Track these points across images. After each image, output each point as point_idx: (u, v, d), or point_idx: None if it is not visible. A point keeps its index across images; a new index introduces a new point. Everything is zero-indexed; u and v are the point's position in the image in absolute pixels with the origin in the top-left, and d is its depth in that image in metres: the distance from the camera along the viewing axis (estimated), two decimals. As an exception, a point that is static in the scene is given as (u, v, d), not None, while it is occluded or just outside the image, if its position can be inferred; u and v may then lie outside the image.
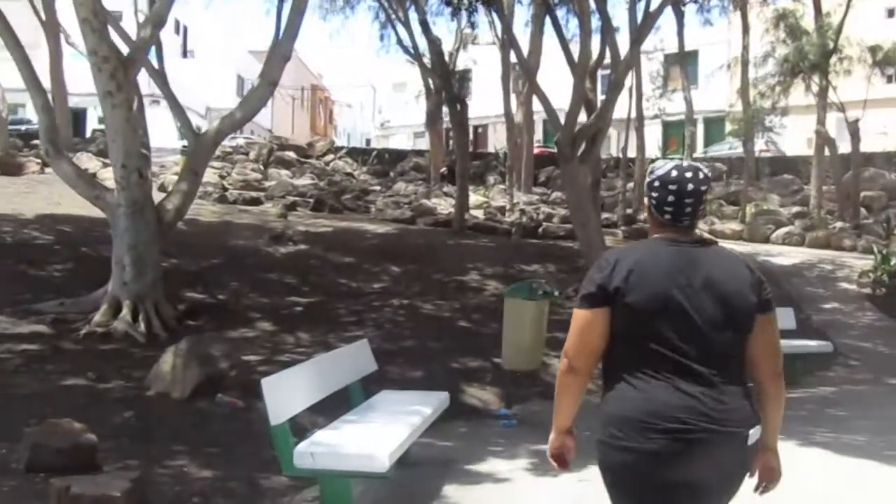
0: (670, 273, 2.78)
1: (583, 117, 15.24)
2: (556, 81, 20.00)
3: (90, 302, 10.67)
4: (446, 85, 21.19)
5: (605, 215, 22.26)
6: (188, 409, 7.51)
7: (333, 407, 6.85)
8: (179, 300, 11.70)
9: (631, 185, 26.79)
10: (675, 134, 39.71)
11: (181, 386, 7.81)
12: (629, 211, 25.08)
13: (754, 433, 2.80)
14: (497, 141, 39.10)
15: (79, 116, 37.82)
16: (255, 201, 21.80)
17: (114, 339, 9.85)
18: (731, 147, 36.19)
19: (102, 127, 34.74)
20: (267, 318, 11.36)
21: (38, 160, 22.15)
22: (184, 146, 29.44)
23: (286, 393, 5.26)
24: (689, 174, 2.86)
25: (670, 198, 2.85)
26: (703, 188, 2.87)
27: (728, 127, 36.04)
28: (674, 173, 2.87)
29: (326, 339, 10.54)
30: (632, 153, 27.62)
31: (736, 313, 2.78)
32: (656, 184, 2.89)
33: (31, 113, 29.33)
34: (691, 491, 2.73)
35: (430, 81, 25.73)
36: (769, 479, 2.94)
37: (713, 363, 2.75)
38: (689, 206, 2.85)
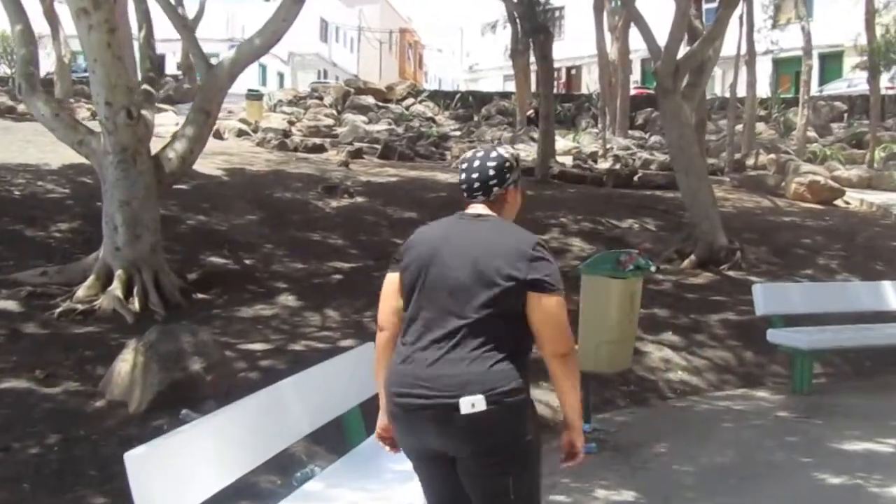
0: (433, 245, 2.96)
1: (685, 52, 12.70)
2: (654, 17, 17.41)
3: (78, 271, 8.78)
4: (529, 13, 18.64)
5: (710, 161, 19.56)
6: (141, 429, 5.48)
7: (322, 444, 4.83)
8: (196, 267, 9.75)
9: (740, 127, 23.81)
10: (786, 72, 36.66)
11: (139, 395, 5.80)
12: (738, 156, 22.22)
13: (478, 401, 2.75)
14: (591, 83, 36.24)
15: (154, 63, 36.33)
16: (319, 149, 19.80)
17: (97, 320, 7.94)
18: (849, 85, 32.82)
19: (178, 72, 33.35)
20: (295, 289, 9.31)
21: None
22: (250, 90, 27.68)
23: (175, 478, 3.09)
24: (479, 154, 3.09)
25: (462, 175, 3.09)
26: (492, 167, 3.04)
27: (847, 62, 32.66)
28: (468, 154, 3.14)
29: (361, 318, 8.43)
30: (741, 92, 24.61)
31: (489, 286, 2.84)
32: (459, 164, 3.17)
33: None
34: (435, 458, 2.91)
35: (514, 13, 23.16)
36: (569, 456, 3.09)
37: (457, 333, 2.83)
38: (476, 181, 3.04)
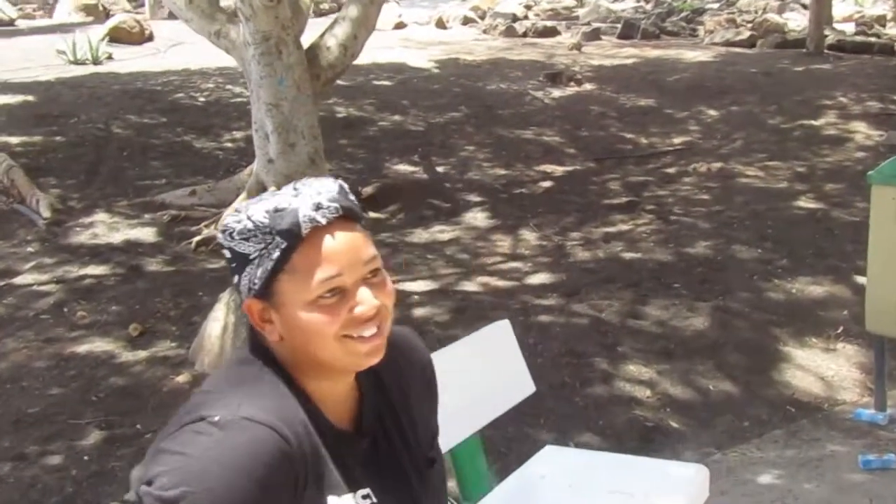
0: None
1: None
2: None
3: (231, 189, 7.42)
4: None
5: None
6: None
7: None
8: (376, 178, 8.16)
9: None
10: None
11: (227, 370, 4.25)
12: None
13: None
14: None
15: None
16: (550, 32, 17.58)
17: (240, 249, 6.52)
18: None
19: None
20: (488, 202, 7.49)
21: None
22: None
23: None
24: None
25: None
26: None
27: None
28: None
29: (564, 241, 6.51)
30: None
31: None
32: None
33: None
34: None
35: None
36: None
37: None
38: None
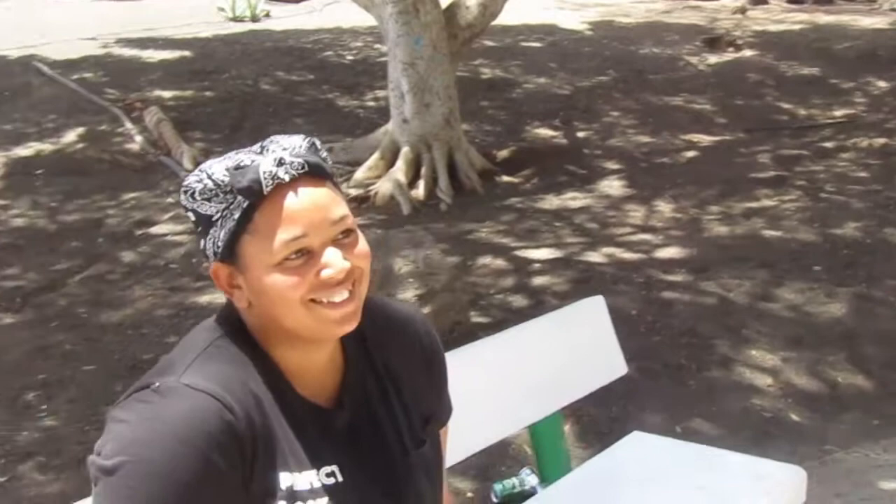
0: None
1: None
2: None
3: (366, 147, 7.43)
4: None
5: None
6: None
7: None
8: (514, 141, 8.01)
9: None
10: None
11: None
12: None
13: None
14: None
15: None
16: (716, -6, 16.82)
17: (369, 209, 6.55)
18: None
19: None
20: (627, 170, 7.23)
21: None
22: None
23: None
24: None
25: None
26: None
27: None
28: None
29: (701, 214, 6.20)
30: None
31: None
32: None
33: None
34: None
35: None
36: None
37: None
38: None
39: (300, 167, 1.19)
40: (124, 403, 1.17)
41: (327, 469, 1.24)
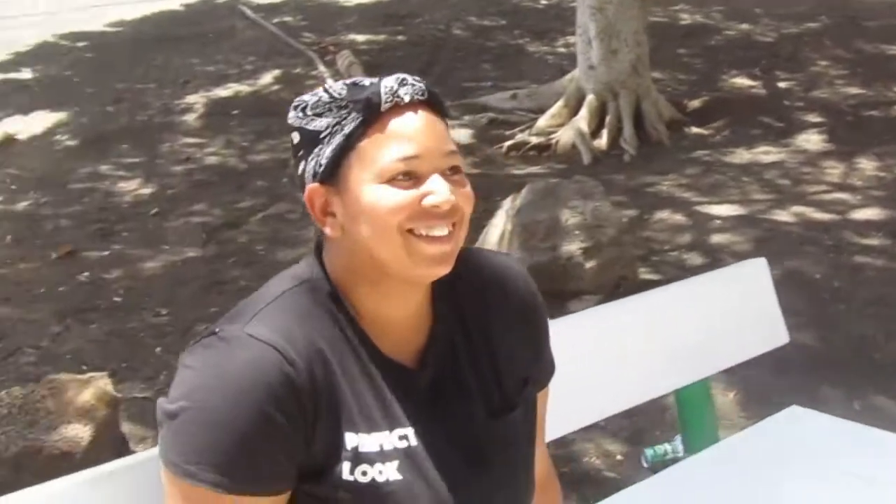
0: None
1: None
2: None
3: (551, 94, 7.27)
4: None
5: None
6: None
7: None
8: (708, 90, 7.64)
9: None
10: None
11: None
12: None
13: None
14: None
15: None
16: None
17: (549, 158, 6.44)
18: None
19: None
20: (828, 124, 6.73)
21: None
22: None
23: None
24: None
25: None
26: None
27: None
28: None
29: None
30: None
31: None
32: None
33: None
34: None
35: None
36: None
37: None
38: None
39: (421, 92, 1.16)
40: (192, 348, 1.14)
41: (401, 431, 1.17)
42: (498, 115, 7.12)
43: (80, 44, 9.69)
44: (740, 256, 4.56)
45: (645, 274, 4.37)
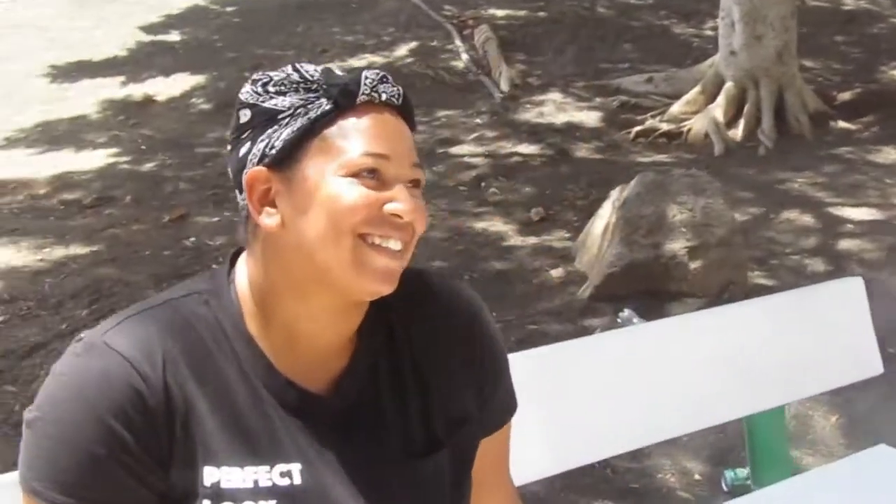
0: None
1: None
2: None
3: (688, 79, 6.94)
4: None
5: None
6: (569, 323, 3.73)
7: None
8: (862, 82, 7.14)
9: None
10: None
11: (596, 270, 4.01)
12: None
13: None
14: None
15: None
16: None
17: (679, 147, 6.16)
18: None
19: None
20: None
21: None
22: None
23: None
24: None
25: None
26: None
27: None
28: None
29: None
30: None
31: None
32: None
33: None
34: None
35: None
36: None
37: None
38: None
39: (398, 96, 1.08)
40: (65, 351, 1.05)
41: (284, 467, 1.04)
42: (630, 99, 6.85)
43: (230, 8, 9.92)
44: (869, 265, 4.23)
45: (758, 278, 4.10)
